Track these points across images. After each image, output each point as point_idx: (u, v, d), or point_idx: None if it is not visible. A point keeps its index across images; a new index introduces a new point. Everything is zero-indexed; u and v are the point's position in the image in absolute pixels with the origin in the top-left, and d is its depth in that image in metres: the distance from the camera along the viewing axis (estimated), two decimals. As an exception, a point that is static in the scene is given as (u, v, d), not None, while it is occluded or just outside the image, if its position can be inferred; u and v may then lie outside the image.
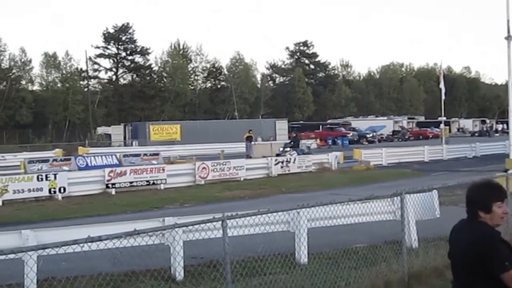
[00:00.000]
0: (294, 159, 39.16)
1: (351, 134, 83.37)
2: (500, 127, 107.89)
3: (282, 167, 37.85)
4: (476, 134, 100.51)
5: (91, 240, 7.64)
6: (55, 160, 38.41)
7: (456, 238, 5.12)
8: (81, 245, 8.64)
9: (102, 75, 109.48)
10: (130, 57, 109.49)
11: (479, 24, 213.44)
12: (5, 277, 10.74)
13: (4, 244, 10.52)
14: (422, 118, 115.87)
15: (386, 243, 13.25)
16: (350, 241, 14.63)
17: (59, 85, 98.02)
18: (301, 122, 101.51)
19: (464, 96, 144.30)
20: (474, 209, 5.03)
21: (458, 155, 50.34)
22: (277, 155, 44.02)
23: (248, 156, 44.13)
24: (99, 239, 7.68)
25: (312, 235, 13.60)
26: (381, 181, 32.95)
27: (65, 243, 7.50)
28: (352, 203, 13.28)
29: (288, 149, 44.84)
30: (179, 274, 12.02)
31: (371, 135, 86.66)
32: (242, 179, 35.21)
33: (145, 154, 42.61)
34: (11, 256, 8.40)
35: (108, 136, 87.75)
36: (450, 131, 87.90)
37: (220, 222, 9.27)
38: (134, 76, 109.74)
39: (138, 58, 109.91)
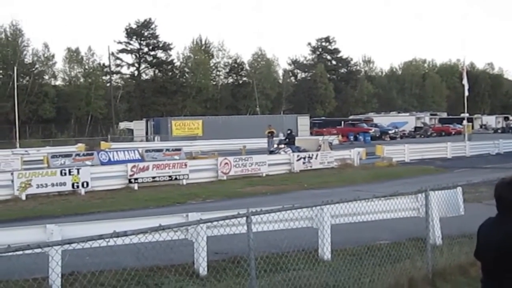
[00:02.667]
0: (317, 155, 39.00)
1: (373, 130, 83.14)
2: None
3: (304, 163, 37.76)
4: (499, 131, 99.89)
5: (117, 235, 7.67)
6: (77, 155, 38.60)
7: (486, 235, 5.07)
8: (107, 240, 8.69)
9: (124, 70, 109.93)
10: (152, 53, 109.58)
11: (502, 20, 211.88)
12: (31, 271, 10.79)
13: (28, 238, 10.59)
14: (444, 115, 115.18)
15: (410, 240, 13.17)
16: (374, 238, 14.58)
17: (81, 80, 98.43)
18: (323, 118, 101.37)
19: (487, 92, 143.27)
20: (505, 205, 4.98)
21: (481, 152, 50.02)
22: (271, 152, 43.67)
23: (270, 152, 43.90)
24: (125, 234, 7.70)
25: (335, 232, 13.58)
26: (403, 177, 32.80)
27: (90, 238, 7.52)
28: (376, 199, 13.23)
29: (283, 146, 44.36)
30: (203, 269, 12.05)
31: (393, 131, 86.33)
32: (264, 174, 35.20)
33: (167, 149, 42.68)
34: (37, 250, 8.45)
35: (130, 131, 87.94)
36: (473, 127, 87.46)
37: (244, 218, 9.27)
38: (156, 71, 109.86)
39: (160, 54, 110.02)
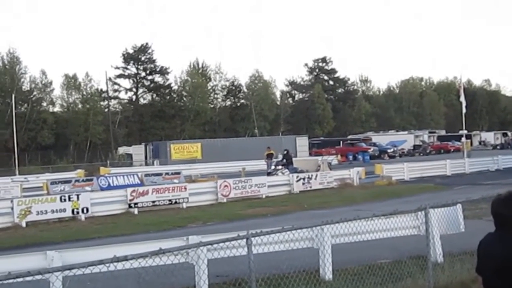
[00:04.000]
0: (316, 176, 38.99)
1: (372, 149, 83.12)
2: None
3: (303, 183, 37.74)
4: (498, 147, 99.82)
5: (117, 260, 7.66)
6: (77, 180, 38.56)
7: (486, 251, 5.07)
8: (107, 264, 8.68)
9: (122, 95, 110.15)
10: (149, 77, 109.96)
11: (499, 37, 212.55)
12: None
13: (29, 265, 10.57)
14: (443, 132, 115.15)
15: (411, 258, 13.15)
16: (375, 257, 14.55)
17: (79, 106, 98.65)
18: (322, 138, 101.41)
19: (484, 109, 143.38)
20: (502, 222, 4.99)
21: (481, 169, 50.00)
22: (269, 173, 43.54)
23: (268, 174, 43.78)
24: (125, 258, 7.70)
25: (336, 252, 13.56)
26: (404, 196, 32.78)
27: (91, 263, 7.52)
28: (376, 218, 13.24)
29: (280, 167, 44.26)
30: (204, 292, 12.02)
31: (392, 150, 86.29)
32: (264, 196, 35.16)
33: (166, 173, 42.66)
34: (38, 276, 8.44)
35: (129, 156, 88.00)
36: (471, 144, 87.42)
37: (244, 240, 9.26)
38: (154, 95, 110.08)
39: (158, 78, 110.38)
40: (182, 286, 11.98)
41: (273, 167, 45.44)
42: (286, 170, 42.66)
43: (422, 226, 13.63)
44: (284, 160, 45.49)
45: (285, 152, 47.27)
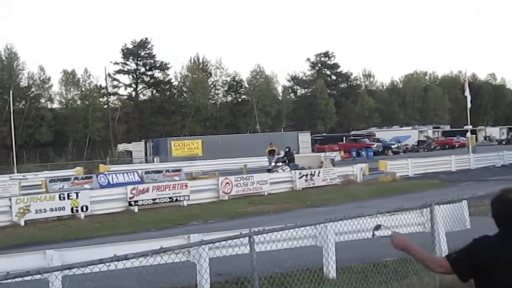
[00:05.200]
0: (319, 172, 38.98)
1: (375, 145, 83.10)
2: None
3: (306, 180, 37.73)
4: (503, 142, 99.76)
5: (117, 259, 7.64)
6: (76, 178, 38.57)
7: (494, 253, 4.96)
8: (107, 264, 8.66)
9: (122, 91, 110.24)
10: (149, 73, 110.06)
11: (503, 30, 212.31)
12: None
13: (28, 264, 10.56)
14: (447, 127, 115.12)
15: (416, 256, 13.10)
16: (380, 255, 14.51)
17: (78, 102, 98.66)
18: (324, 134, 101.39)
19: (490, 103, 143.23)
20: (503, 222, 4.94)
21: (486, 164, 50.01)
22: (269, 170, 43.49)
23: (268, 170, 43.65)
24: (126, 257, 7.68)
25: (340, 249, 13.54)
26: (408, 192, 32.83)
27: (91, 262, 7.51)
28: (380, 215, 13.20)
29: (281, 164, 44.16)
30: (207, 291, 12.00)
31: (396, 145, 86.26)
32: (266, 193, 35.17)
33: (167, 171, 42.68)
34: (37, 276, 8.43)
35: (129, 153, 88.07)
36: (476, 139, 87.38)
37: (247, 238, 9.24)
38: (154, 91, 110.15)
39: (158, 73, 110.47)
40: (183, 285, 11.96)
41: (273, 163, 45.35)
42: (287, 167, 42.62)
43: (427, 223, 13.62)
44: (285, 157, 45.39)
45: (287, 149, 47.20)
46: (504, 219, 4.92)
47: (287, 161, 44.60)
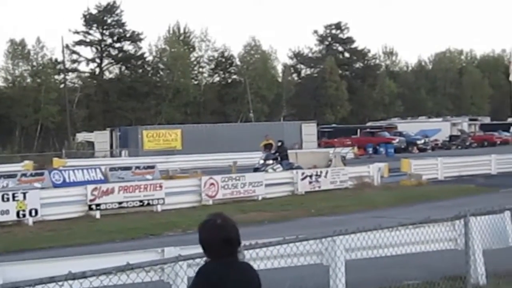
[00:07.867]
0: (326, 173, 38.98)
1: (397, 140, 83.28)
2: None
3: (310, 182, 37.74)
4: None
5: (73, 277, 7.62)
6: (24, 175, 38.59)
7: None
8: (60, 283, 8.63)
9: (83, 67, 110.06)
10: (117, 45, 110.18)
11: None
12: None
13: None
14: (487, 120, 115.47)
15: (446, 279, 13.18)
16: (401, 277, 14.56)
17: (28, 80, 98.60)
18: (334, 125, 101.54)
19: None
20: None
21: (535, 166, 50.12)
22: (255, 169, 43.36)
23: (255, 169, 43.47)
24: (83, 275, 7.66)
25: (351, 269, 13.55)
26: (437, 200, 32.90)
27: (40, 281, 7.48)
28: (402, 228, 13.23)
29: (271, 161, 44.06)
30: (183, 318, 12.01)
31: (422, 141, 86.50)
32: (260, 198, 35.24)
33: (137, 167, 42.82)
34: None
35: (91, 144, 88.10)
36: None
37: (235, 254, 9.22)
38: (123, 68, 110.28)
39: (128, 46, 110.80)
40: (154, 311, 11.95)
41: (261, 161, 45.08)
42: (279, 165, 42.55)
43: (460, 239, 13.66)
44: (277, 154, 45.21)
45: (280, 143, 47.14)
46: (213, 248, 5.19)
47: (279, 158, 44.36)
